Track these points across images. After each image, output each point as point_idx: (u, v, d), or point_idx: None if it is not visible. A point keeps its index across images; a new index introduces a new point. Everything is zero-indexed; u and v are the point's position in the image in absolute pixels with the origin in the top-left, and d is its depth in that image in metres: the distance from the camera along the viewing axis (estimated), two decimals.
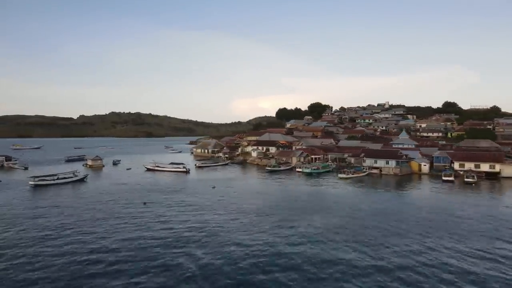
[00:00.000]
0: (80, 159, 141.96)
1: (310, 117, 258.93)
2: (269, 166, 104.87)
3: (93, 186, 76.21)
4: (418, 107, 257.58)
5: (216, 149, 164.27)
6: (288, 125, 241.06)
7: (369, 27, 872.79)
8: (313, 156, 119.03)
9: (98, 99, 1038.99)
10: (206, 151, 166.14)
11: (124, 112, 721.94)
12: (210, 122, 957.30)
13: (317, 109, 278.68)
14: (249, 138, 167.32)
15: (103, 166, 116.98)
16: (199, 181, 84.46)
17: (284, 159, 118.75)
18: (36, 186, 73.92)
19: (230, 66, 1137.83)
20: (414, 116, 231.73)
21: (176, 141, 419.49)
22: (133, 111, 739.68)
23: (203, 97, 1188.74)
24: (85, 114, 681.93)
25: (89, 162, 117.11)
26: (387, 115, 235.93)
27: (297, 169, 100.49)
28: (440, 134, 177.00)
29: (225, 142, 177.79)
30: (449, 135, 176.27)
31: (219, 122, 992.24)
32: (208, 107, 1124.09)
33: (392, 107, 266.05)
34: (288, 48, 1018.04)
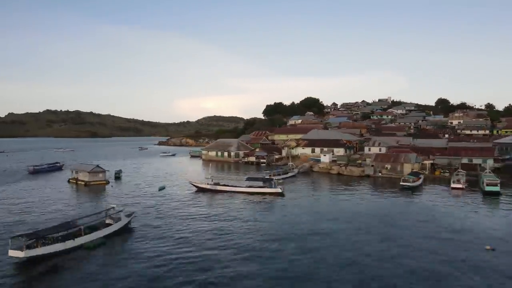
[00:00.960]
0: (55, 168, 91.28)
1: (311, 113, 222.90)
2: (405, 181, 64.53)
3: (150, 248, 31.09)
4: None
5: (240, 151, 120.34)
6: (291, 121, 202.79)
7: (316, 28, 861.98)
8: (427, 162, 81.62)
9: (30, 96, 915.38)
10: (226, 154, 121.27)
11: (61, 110, 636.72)
12: (157, 121, 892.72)
13: (313, 105, 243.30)
14: (295, 137, 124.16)
15: (107, 183, 68.80)
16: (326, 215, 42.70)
17: (387, 166, 79.56)
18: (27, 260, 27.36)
19: (174, 65, 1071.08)
20: (431, 112, 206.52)
21: (133, 141, 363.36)
22: (71, 109, 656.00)
23: (147, 96, 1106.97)
24: (15, 112, 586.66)
25: (82, 177, 68.13)
26: (401, 111, 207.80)
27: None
28: (487, 132, 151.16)
29: (245, 142, 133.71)
30: (494, 132, 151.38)
31: (167, 122, 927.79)
32: (152, 107, 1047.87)
33: (394, 103, 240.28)
34: (232, 49, 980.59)
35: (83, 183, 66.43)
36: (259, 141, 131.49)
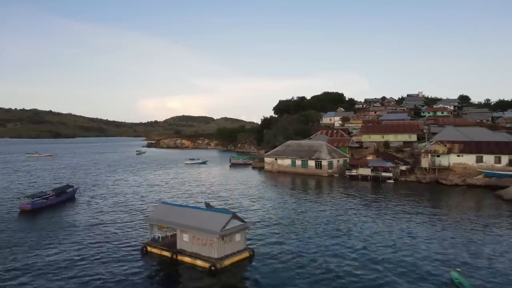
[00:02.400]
0: (67, 198, 48.19)
1: (342, 109, 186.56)
2: None
3: None
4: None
5: (335, 159, 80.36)
6: (326, 119, 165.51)
7: (282, 31, 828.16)
8: None
9: None
10: (312, 163, 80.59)
11: (16, 109, 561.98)
12: (122, 121, 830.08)
13: (337, 100, 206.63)
14: (397, 137, 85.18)
15: (250, 255, 26.89)
16: None
17: None
18: None
19: (139, 64, 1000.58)
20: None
21: (106, 142, 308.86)
22: (27, 108, 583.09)
23: (110, 95, 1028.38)
24: None
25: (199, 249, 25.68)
26: (449, 107, 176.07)
27: None
28: None
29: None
30: None
31: (133, 122, 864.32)
32: (116, 106, 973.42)
33: (428, 100, 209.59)
34: (201, 49, 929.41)
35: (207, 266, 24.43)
36: (345, 144, 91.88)
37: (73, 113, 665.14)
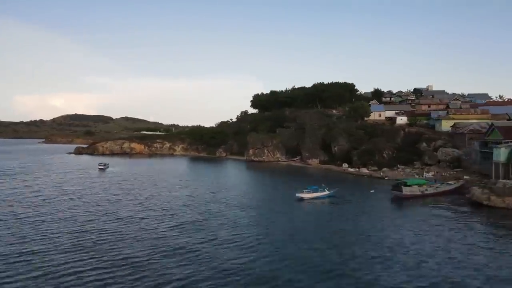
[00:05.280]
0: None
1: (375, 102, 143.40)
2: None
3: None
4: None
5: None
6: (375, 113, 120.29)
7: (183, 32, 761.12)
8: None
9: None
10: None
11: None
12: None
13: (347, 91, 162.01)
14: None
15: None
16: None
17: None
18: None
19: (14, 57, 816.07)
20: None
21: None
22: None
23: None
24: None
25: None
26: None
27: None
28: None
29: None
30: None
31: (10, 120, 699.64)
32: None
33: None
34: (89, 45, 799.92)
35: None
36: None
37: None
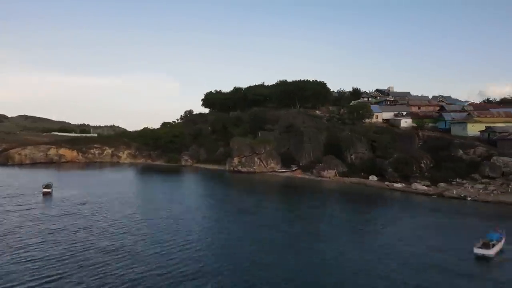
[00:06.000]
0: None
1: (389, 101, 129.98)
2: None
3: None
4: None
5: None
6: (375, 115, 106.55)
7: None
8: None
9: None
10: None
11: None
12: None
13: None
14: None
15: None
16: None
17: None
18: None
19: None
20: None
21: None
22: None
23: None
24: None
25: None
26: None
27: None
28: None
29: None
30: None
31: None
32: None
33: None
34: None
35: None
36: None
37: None
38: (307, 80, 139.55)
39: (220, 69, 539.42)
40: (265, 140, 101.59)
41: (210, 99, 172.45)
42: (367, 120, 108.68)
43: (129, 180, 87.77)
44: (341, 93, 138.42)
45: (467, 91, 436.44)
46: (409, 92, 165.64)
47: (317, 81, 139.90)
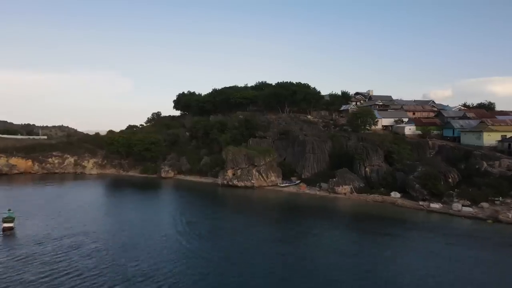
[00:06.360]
0: None
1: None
2: None
3: None
4: None
5: None
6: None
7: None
8: None
9: None
10: None
11: None
12: None
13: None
14: None
15: None
16: None
17: None
18: None
19: None
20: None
21: None
22: None
23: None
24: None
25: None
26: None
27: None
28: None
29: None
30: None
31: None
32: None
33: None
34: None
35: None
36: None
37: None
38: (297, 82, 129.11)
39: (177, 70, 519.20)
40: (265, 150, 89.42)
41: (184, 101, 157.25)
42: (372, 127, 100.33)
43: (98, 204, 69.39)
44: (333, 97, 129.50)
45: (411, 94, 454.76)
46: (391, 96, 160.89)
47: (305, 84, 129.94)
